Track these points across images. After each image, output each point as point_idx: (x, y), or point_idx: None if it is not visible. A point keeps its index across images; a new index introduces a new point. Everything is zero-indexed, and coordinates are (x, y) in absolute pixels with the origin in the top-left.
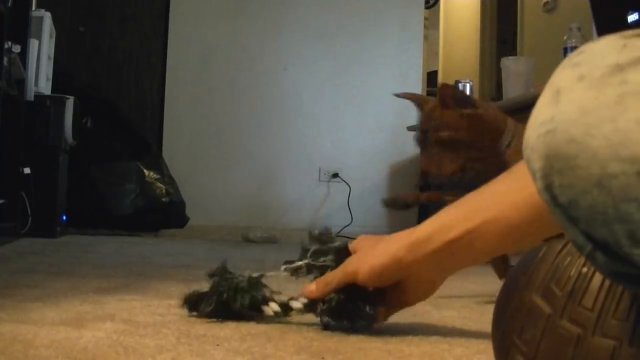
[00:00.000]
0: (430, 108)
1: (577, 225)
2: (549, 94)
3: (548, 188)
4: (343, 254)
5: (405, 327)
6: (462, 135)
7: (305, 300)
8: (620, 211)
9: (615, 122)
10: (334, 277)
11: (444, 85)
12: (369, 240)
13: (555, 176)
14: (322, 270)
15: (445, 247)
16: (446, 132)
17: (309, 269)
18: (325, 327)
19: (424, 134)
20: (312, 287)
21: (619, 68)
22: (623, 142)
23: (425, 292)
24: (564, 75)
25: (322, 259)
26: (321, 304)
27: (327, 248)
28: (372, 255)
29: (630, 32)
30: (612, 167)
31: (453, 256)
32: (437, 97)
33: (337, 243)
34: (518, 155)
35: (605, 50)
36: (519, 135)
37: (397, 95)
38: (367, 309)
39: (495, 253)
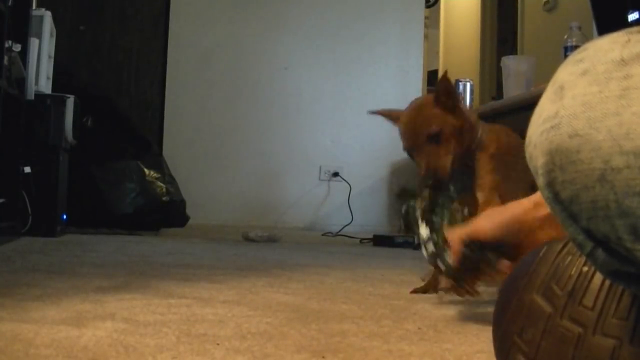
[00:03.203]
0: (419, 105)
1: (577, 223)
2: (553, 90)
3: (550, 184)
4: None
5: (405, 326)
6: (450, 130)
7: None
8: (622, 206)
9: (619, 116)
10: (461, 233)
11: (445, 78)
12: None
13: (557, 172)
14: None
15: None
16: (437, 127)
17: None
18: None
19: (415, 135)
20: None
21: (623, 62)
22: (628, 135)
23: None
24: (567, 71)
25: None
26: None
27: None
28: (495, 214)
29: (634, 28)
30: (616, 160)
31: None
32: (436, 88)
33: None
34: (484, 158)
35: (608, 45)
36: (487, 137)
37: (372, 112)
38: (490, 257)
39: None
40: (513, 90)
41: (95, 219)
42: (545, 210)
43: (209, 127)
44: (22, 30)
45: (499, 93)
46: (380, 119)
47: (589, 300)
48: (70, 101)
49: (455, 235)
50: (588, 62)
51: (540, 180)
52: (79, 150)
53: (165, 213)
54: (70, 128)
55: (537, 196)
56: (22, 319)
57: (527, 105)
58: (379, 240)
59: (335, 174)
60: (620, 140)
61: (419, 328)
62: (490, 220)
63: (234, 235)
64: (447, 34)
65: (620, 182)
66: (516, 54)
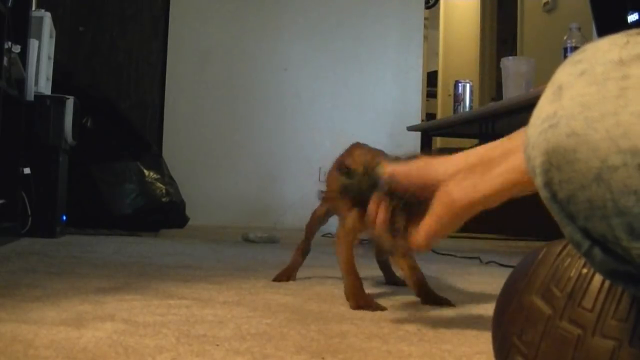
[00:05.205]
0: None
1: (575, 222)
2: (551, 90)
3: (548, 184)
4: None
5: (405, 327)
6: None
7: None
8: (619, 204)
9: (617, 116)
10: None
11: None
12: None
13: (554, 172)
14: None
15: (485, 157)
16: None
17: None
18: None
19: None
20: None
21: (622, 63)
22: (625, 134)
23: (444, 213)
24: (566, 72)
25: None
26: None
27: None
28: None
29: (633, 30)
30: (613, 159)
31: (488, 171)
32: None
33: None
34: None
35: (607, 47)
36: None
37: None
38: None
39: (521, 180)
40: (512, 91)
41: (95, 220)
42: (466, 158)
43: (208, 128)
44: (22, 31)
45: (498, 94)
46: (380, 120)
47: (588, 302)
48: (70, 102)
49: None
50: (586, 62)
51: (538, 180)
52: (79, 151)
53: (164, 214)
54: (70, 129)
55: (458, 154)
56: (21, 320)
57: (527, 106)
58: None
59: None
60: (617, 139)
61: (419, 329)
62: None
63: (234, 236)
64: (446, 34)
65: (617, 181)
66: (516, 55)
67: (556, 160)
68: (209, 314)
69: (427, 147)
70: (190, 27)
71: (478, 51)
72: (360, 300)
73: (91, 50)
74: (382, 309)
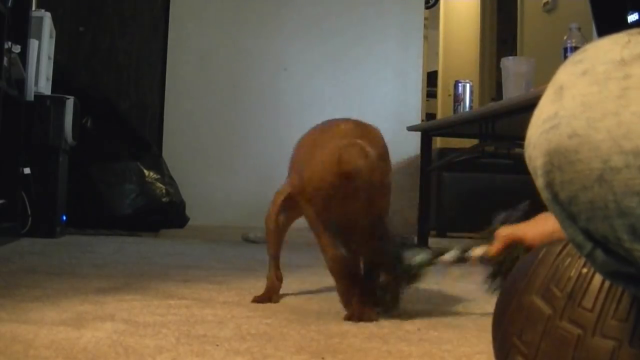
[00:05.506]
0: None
1: (576, 223)
2: (552, 90)
3: (549, 185)
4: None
5: (405, 327)
6: None
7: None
8: (621, 206)
9: (618, 116)
10: (510, 232)
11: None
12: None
13: (556, 173)
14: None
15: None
16: None
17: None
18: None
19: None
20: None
21: (623, 62)
22: (627, 135)
23: None
24: (567, 72)
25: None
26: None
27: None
28: (540, 221)
29: (634, 29)
30: (615, 160)
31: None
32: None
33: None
34: None
35: (608, 46)
36: None
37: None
38: None
39: None
40: (512, 91)
41: (95, 220)
42: None
43: (208, 129)
44: (22, 31)
45: (498, 94)
46: (379, 120)
47: (588, 302)
48: (70, 102)
49: (504, 231)
50: (588, 62)
51: (540, 181)
52: (79, 151)
53: (164, 214)
54: (69, 129)
55: None
56: (21, 320)
57: (527, 107)
58: None
59: None
60: (619, 140)
61: (419, 329)
62: (537, 227)
63: (234, 236)
64: (446, 35)
65: (619, 182)
66: (516, 55)
67: (558, 161)
68: (209, 314)
69: (427, 147)
70: (190, 27)
71: (478, 51)
72: (350, 310)
73: (91, 50)
74: (371, 320)
